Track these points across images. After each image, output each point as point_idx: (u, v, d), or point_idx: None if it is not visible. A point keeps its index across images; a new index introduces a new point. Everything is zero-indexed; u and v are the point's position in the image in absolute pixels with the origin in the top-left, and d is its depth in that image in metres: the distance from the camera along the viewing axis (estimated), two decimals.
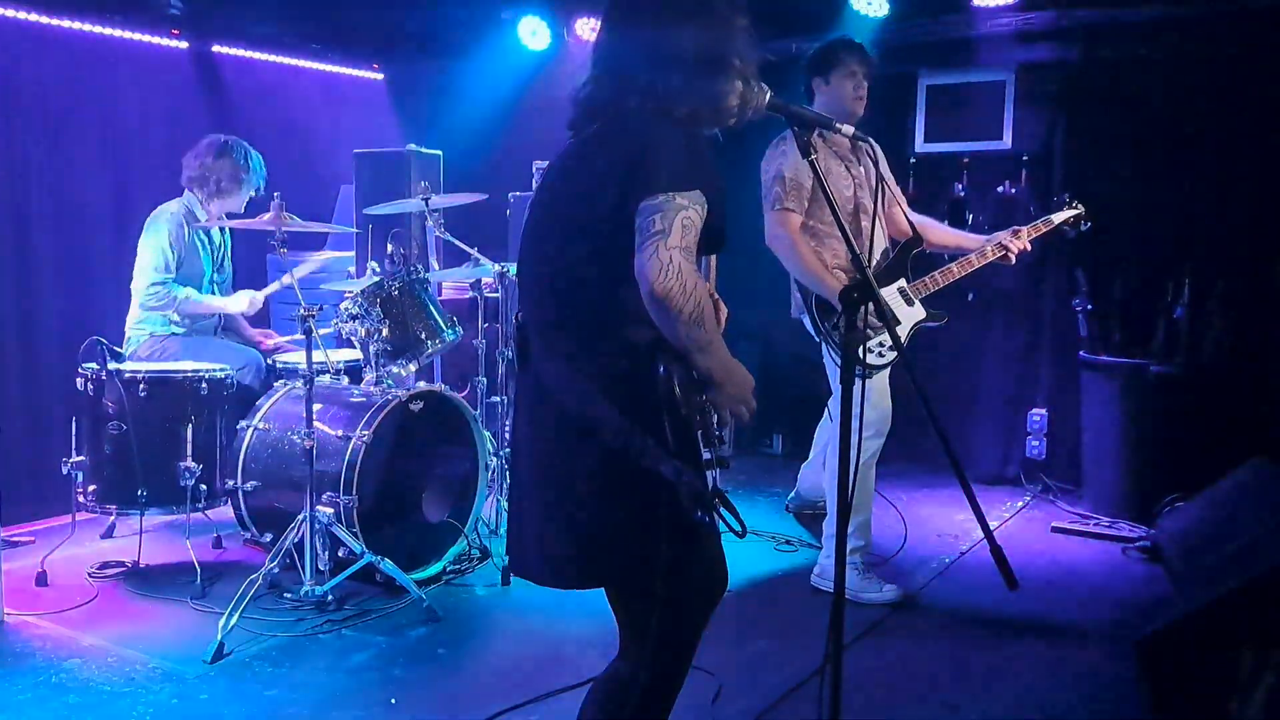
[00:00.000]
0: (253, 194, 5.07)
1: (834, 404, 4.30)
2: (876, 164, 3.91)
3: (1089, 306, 5.58)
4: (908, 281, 4.24)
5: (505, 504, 5.05)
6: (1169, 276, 5.44)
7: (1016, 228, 4.35)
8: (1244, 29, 5.23)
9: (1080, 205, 4.55)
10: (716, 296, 2.33)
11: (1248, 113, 5.34)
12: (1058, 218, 4.51)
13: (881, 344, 4.12)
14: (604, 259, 2.06)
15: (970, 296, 6.14)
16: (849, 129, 2.29)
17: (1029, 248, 4.35)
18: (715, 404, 2.12)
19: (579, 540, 2.15)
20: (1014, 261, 4.34)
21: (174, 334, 4.90)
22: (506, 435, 5.38)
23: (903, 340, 4.17)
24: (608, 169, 2.09)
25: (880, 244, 4.26)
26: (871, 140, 4.16)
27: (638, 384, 2.02)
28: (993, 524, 5.21)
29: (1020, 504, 5.74)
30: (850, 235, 2.31)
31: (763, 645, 3.79)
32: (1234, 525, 4.07)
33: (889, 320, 2.24)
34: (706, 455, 2.14)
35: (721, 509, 2.10)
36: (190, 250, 4.95)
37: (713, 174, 2.09)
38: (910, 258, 4.26)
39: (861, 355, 4.03)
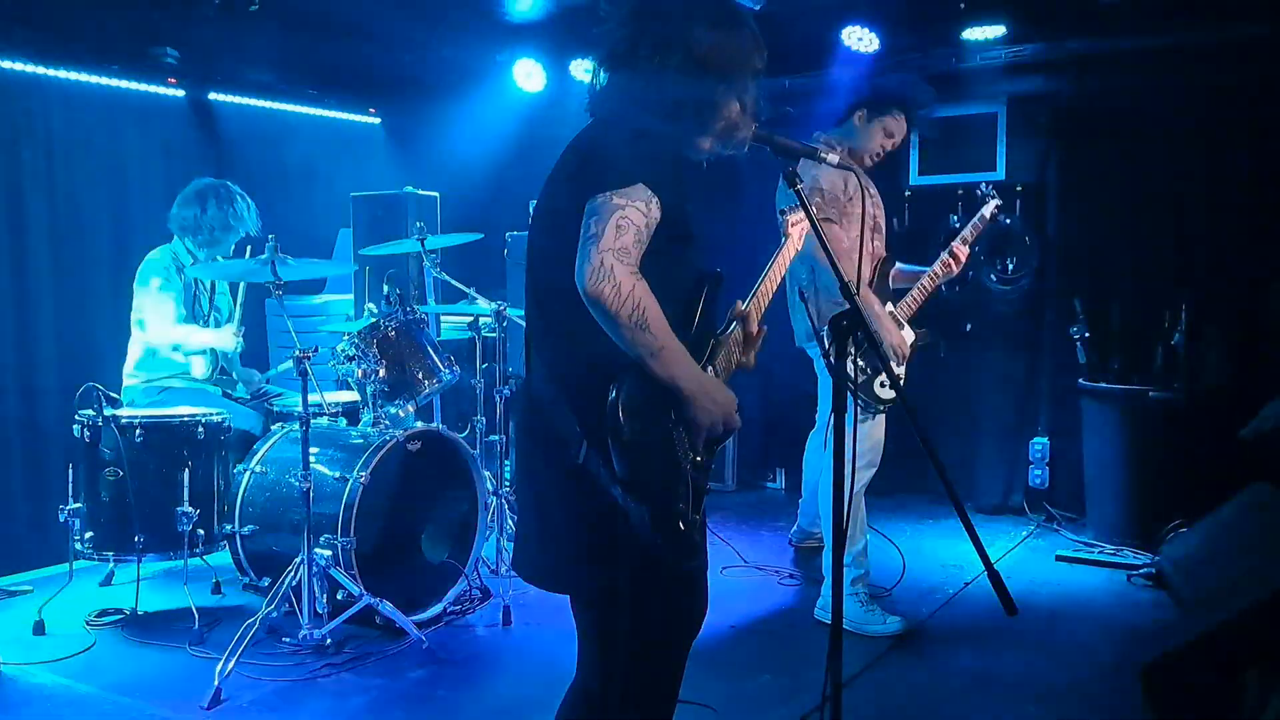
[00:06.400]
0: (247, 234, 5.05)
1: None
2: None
3: (1087, 334, 5.58)
4: (893, 304, 4.25)
5: (507, 542, 5.03)
6: (1166, 303, 5.44)
7: (960, 239, 4.40)
8: (1232, 57, 5.26)
9: (996, 194, 4.64)
10: (747, 311, 2.32)
11: (1240, 139, 5.37)
12: (987, 211, 4.57)
13: (885, 378, 4.14)
14: (569, 266, 2.03)
15: (969, 326, 6.15)
16: (834, 158, 2.29)
17: (970, 248, 4.43)
18: (689, 423, 2.08)
19: (549, 548, 2.20)
20: (964, 264, 4.39)
21: (172, 388, 4.88)
22: (506, 474, 5.38)
23: (904, 361, 4.19)
24: (562, 175, 2.14)
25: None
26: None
27: (599, 402, 2.01)
28: (996, 554, 5.21)
29: (1024, 533, 5.71)
30: (841, 261, 2.31)
31: (765, 680, 3.75)
32: (1237, 550, 4.06)
33: (879, 348, 2.24)
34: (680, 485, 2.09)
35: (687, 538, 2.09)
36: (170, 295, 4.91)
37: (664, 165, 2.06)
38: (889, 279, 4.29)
39: (877, 393, 4.06)
